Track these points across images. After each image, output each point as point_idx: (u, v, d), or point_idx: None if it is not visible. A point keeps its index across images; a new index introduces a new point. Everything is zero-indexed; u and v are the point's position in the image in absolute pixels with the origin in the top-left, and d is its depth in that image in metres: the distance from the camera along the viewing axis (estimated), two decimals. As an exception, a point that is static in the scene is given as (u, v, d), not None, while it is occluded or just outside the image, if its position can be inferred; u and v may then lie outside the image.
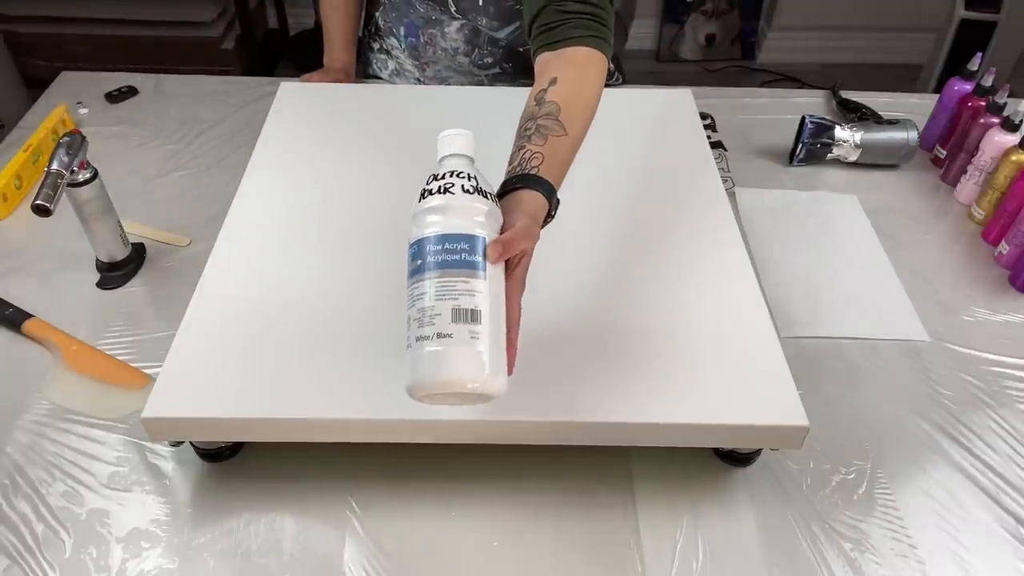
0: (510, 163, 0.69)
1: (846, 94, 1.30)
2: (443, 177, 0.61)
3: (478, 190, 0.60)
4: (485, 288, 0.58)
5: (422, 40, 1.17)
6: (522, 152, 0.69)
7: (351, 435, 0.68)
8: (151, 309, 0.91)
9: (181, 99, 1.27)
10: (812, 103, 1.32)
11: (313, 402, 0.68)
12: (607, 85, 0.81)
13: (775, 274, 0.97)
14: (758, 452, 0.76)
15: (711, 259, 0.83)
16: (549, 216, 0.68)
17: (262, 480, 0.74)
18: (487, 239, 0.59)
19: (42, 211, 0.78)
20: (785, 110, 1.28)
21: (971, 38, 2.21)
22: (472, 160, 0.64)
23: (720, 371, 0.71)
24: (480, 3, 1.10)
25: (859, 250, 1.03)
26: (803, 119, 1.14)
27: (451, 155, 0.63)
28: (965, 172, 1.11)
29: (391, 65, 1.24)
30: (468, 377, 0.56)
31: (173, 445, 0.76)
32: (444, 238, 0.58)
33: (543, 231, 0.66)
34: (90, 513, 0.71)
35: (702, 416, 0.68)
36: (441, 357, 0.56)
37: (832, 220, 1.07)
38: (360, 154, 0.96)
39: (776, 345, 0.74)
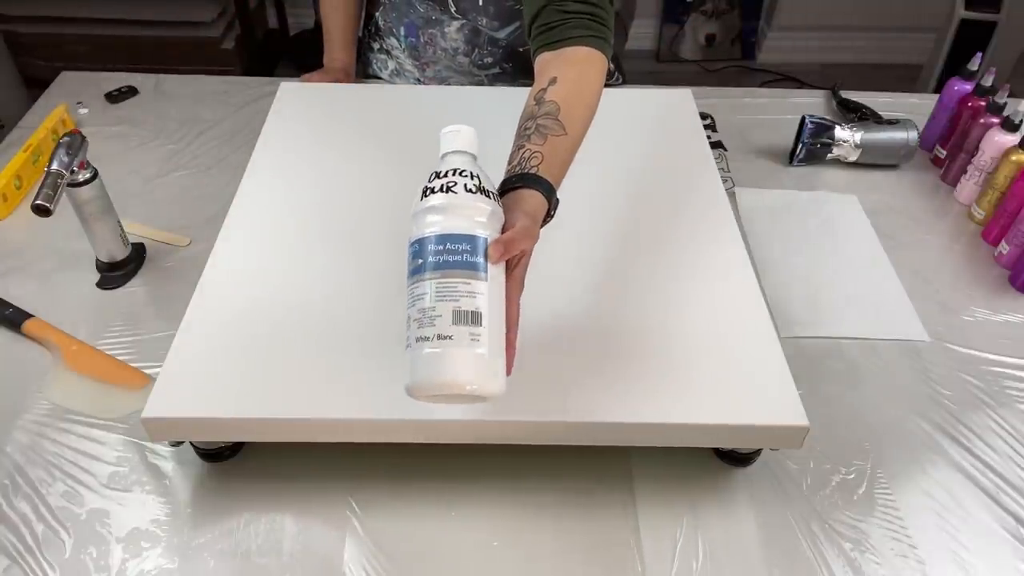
0: (509, 162, 0.69)
1: (846, 94, 1.30)
2: (446, 175, 0.60)
3: (481, 189, 0.60)
4: (486, 289, 0.57)
5: (422, 40, 1.17)
6: (522, 151, 0.69)
7: (351, 435, 0.68)
8: (151, 309, 0.91)
9: (181, 99, 1.27)
10: (812, 103, 1.32)
11: (313, 402, 0.68)
12: (607, 85, 0.81)
13: (775, 274, 0.97)
14: (758, 452, 0.76)
15: (711, 259, 0.83)
16: (549, 216, 0.68)
17: (262, 480, 0.74)
18: (489, 239, 0.59)
19: (42, 211, 0.78)
20: (785, 110, 1.28)
21: (971, 38, 2.21)
22: (475, 157, 0.63)
23: (720, 371, 0.71)
24: (480, 3, 1.10)
25: (859, 250, 1.03)
26: (803, 119, 1.14)
27: (454, 152, 0.63)
28: (965, 172, 1.11)
29: (391, 65, 1.24)
30: (467, 379, 0.56)
31: (173, 445, 0.76)
32: (445, 238, 0.58)
33: (542, 231, 0.66)
34: (90, 513, 0.71)
35: (702, 416, 0.68)
36: (441, 359, 0.56)
37: (832, 220, 1.07)
38: (360, 154, 0.96)
39: (776, 345, 0.74)
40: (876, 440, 0.80)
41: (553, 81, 0.74)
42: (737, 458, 0.76)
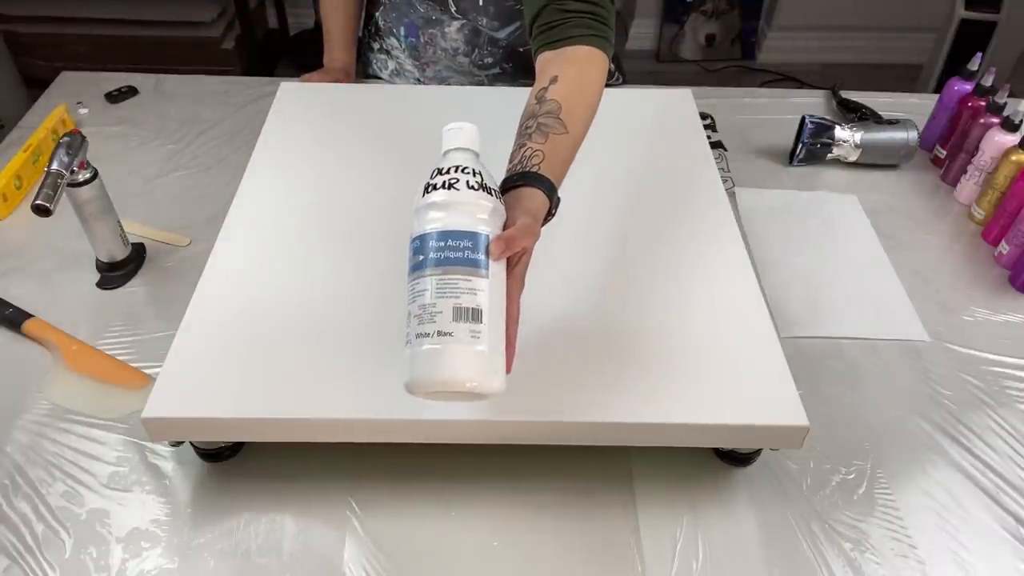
0: (511, 161, 0.69)
1: (846, 94, 1.30)
2: (448, 172, 0.60)
3: (483, 186, 0.60)
4: (487, 286, 0.57)
5: (422, 40, 1.17)
6: (523, 150, 0.69)
7: (351, 435, 0.68)
8: (151, 309, 0.91)
9: (181, 99, 1.27)
10: (812, 103, 1.32)
11: (313, 402, 0.68)
12: (607, 85, 0.81)
13: (775, 274, 0.97)
14: (758, 452, 0.76)
15: (711, 259, 0.83)
16: (550, 214, 0.68)
17: (262, 480, 0.74)
18: (490, 236, 0.59)
19: (42, 211, 0.78)
20: (785, 110, 1.28)
21: (971, 38, 2.21)
22: (477, 155, 0.63)
23: (720, 371, 0.71)
24: (480, 3, 1.10)
25: (859, 250, 1.03)
26: (803, 119, 1.14)
27: (456, 149, 0.63)
28: (965, 172, 1.11)
29: (391, 65, 1.24)
30: (467, 376, 0.56)
31: (173, 445, 0.76)
32: (447, 234, 0.58)
33: (543, 230, 0.66)
34: (90, 513, 0.71)
35: (702, 416, 0.68)
36: (441, 355, 0.56)
37: (832, 220, 1.07)
38: (360, 154, 0.96)
39: (776, 345, 0.74)
40: (876, 440, 0.80)
41: (554, 80, 0.74)
42: (737, 458, 0.76)
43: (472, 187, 0.59)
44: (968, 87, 1.15)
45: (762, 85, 2.76)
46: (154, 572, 0.67)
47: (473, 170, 0.60)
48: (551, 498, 0.73)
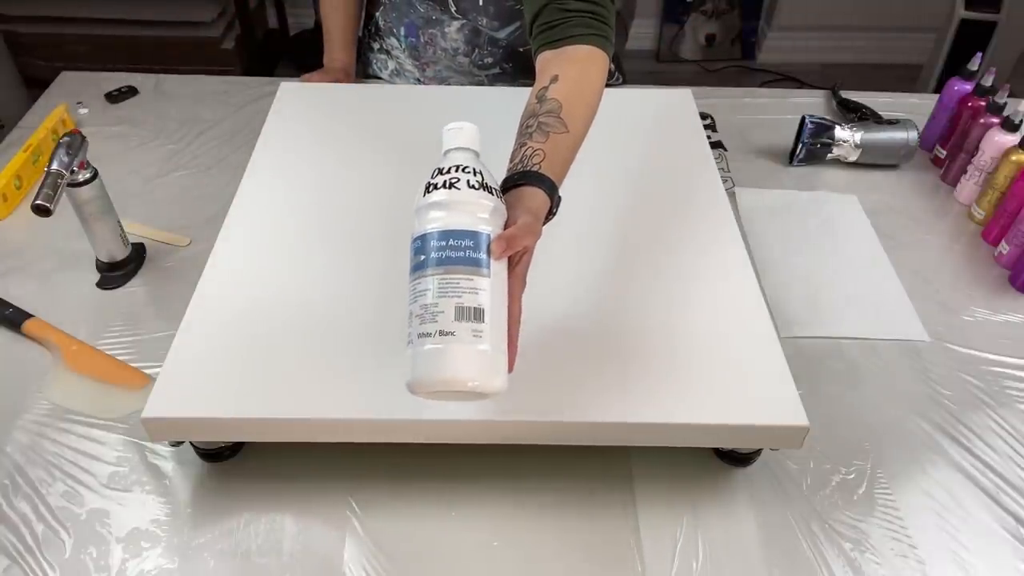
0: (511, 160, 0.69)
1: (846, 94, 1.30)
2: (448, 171, 0.60)
3: (483, 185, 0.60)
4: (488, 285, 0.57)
5: (422, 40, 1.17)
6: (524, 149, 0.69)
7: (351, 435, 0.68)
8: (151, 309, 0.91)
9: (181, 99, 1.27)
10: (812, 103, 1.32)
11: (313, 402, 0.68)
12: (607, 85, 0.81)
13: (775, 274, 0.97)
14: (758, 452, 0.76)
15: (711, 259, 0.83)
16: (551, 213, 0.68)
17: (262, 480, 0.74)
18: (491, 236, 0.59)
19: (42, 211, 0.78)
20: (785, 110, 1.28)
21: (971, 38, 2.21)
22: (477, 154, 0.63)
23: (720, 371, 0.71)
24: (480, 3, 1.10)
25: (859, 250, 1.03)
26: (803, 119, 1.14)
27: (456, 149, 0.63)
28: (965, 172, 1.11)
29: (391, 65, 1.24)
30: (469, 376, 0.56)
31: (173, 445, 0.76)
32: (448, 234, 0.58)
33: (543, 229, 0.66)
34: (90, 513, 0.71)
35: (702, 416, 0.68)
36: (443, 355, 0.56)
37: (832, 220, 1.07)
38: (360, 154, 0.96)
39: (776, 345, 0.74)
40: (876, 440, 0.80)
41: (555, 79, 0.74)
42: (737, 458, 0.76)
43: (473, 186, 0.59)
44: (968, 87, 1.15)
45: (762, 85, 2.76)
46: (154, 572, 0.67)
47: (474, 169, 0.60)
48: (551, 498, 0.73)
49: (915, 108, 1.28)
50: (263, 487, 0.74)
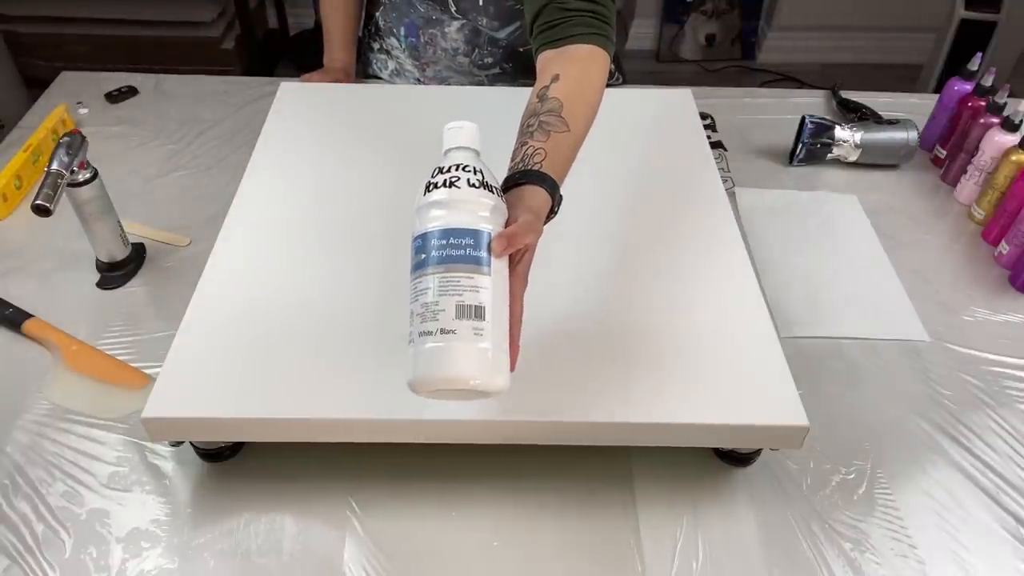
0: (512, 159, 0.69)
1: (846, 94, 1.30)
2: (448, 170, 0.60)
3: (484, 184, 0.60)
4: (489, 284, 0.57)
5: (422, 40, 1.17)
6: (525, 148, 0.69)
7: (351, 435, 0.68)
8: (151, 309, 0.91)
9: (181, 99, 1.27)
10: (812, 103, 1.32)
11: (313, 402, 0.68)
12: (607, 85, 0.81)
13: (775, 274, 0.97)
14: (758, 452, 0.76)
15: (711, 259, 0.83)
16: (552, 212, 0.68)
17: (262, 480, 0.74)
18: (492, 234, 0.59)
19: (42, 211, 0.78)
20: (785, 110, 1.28)
21: (971, 38, 2.21)
22: (478, 153, 0.63)
23: (720, 371, 0.71)
24: (480, 3, 1.10)
25: (859, 250, 1.03)
26: (803, 119, 1.14)
27: (456, 148, 0.63)
28: (965, 172, 1.11)
29: (391, 65, 1.24)
30: (471, 374, 0.56)
31: (173, 445, 0.76)
32: (449, 232, 0.58)
33: (543, 229, 0.65)
34: (90, 513, 0.71)
35: (702, 416, 0.68)
36: (444, 353, 0.56)
37: (832, 220, 1.07)
38: (360, 154, 0.96)
39: (776, 345, 0.74)
40: (876, 440, 0.80)
41: (556, 78, 0.74)
42: (737, 458, 0.76)
43: (473, 185, 0.59)
44: (968, 87, 1.15)
45: (762, 85, 2.76)
46: (154, 572, 0.67)
47: (474, 168, 0.60)
48: (551, 498, 0.73)
49: (915, 108, 1.28)
50: (263, 487, 0.74)
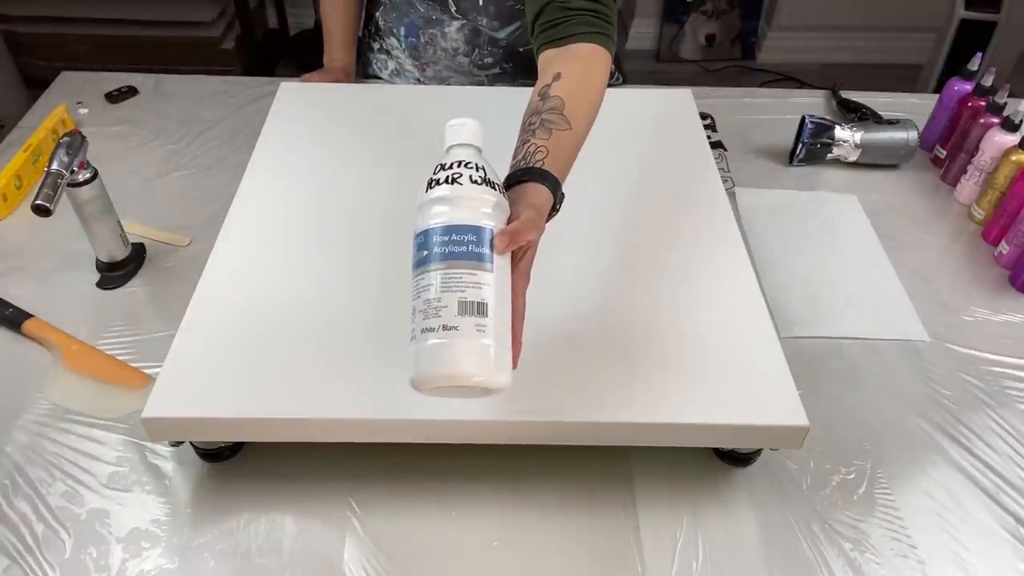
0: (514, 157, 0.69)
1: (846, 94, 1.30)
2: (451, 167, 0.60)
3: (486, 181, 0.60)
4: (492, 280, 0.57)
5: (422, 40, 1.17)
6: (526, 146, 0.69)
7: (351, 435, 0.68)
8: (151, 309, 0.91)
9: (181, 99, 1.27)
10: (812, 103, 1.32)
11: (313, 402, 0.68)
12: (607, 85, 0.81)
13: (775, 274, 0.97)
14: (758, 452, 0.76)
15: (711, 259, 0.83)
16: (554, 210, 0.68)
17: (262, 480, 0.74)
18: (494, 230, 0.59)
19: (42, 211, 0.78)
20: (785, 110, 1.28)
21: (971, 38, 2.21)
22: (479, 150, 0.63)
23: (720, 371, 0.71)
24: (480, 3, 1.10)
25: (859, 250, 1.03)
26: (803, 119, 1.14)
27: (458, 145, 0.63)
28: (965, 172, 1.11)
29: (391, 65, 1.24)
30: (473, 370, 0.56)
31: (173, 445, 0.76)
32: (451, 229, 0.58)
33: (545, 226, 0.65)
34: (90, 513, 0.71)
35: (702, 416, 0.68)
36: (446, 350, 0.55)
37: (832, 220, 1.07)
38: (360, 154, 0.96)
39: (776, 345, 0.74)
40: (876, 440, 0.80)
41: (557, 77, 0.74)
42: (737, 458, 0.76)
43: (475, 181, 0.59)
44: (968, 87, 1.15)
45: (762, 85, 2.76)
46: (154, 572, 0.67)
47: (476, 165, 0.60)
48: (551, 498, 0.73)
49: (915, 108, 1.28)
50: (263, 487, 0.74)
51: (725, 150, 1.18)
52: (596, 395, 0.69)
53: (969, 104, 1.13)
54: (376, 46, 1.25)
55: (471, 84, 1.21)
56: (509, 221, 0.61)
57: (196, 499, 0.73)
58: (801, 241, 1.03)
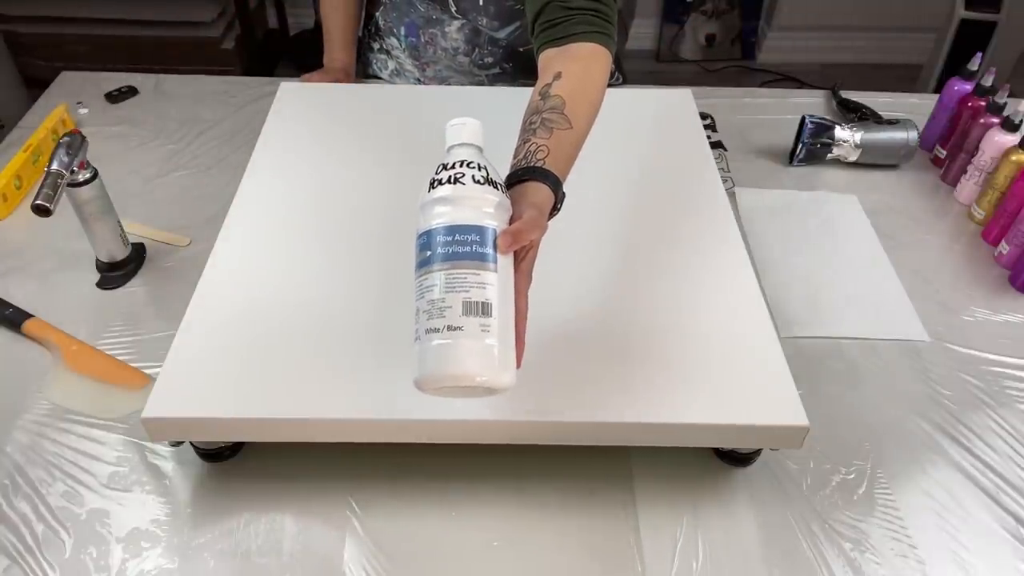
0: (515, 156, 0.69)
1: (846, 94, 1.30)
2: (453, 167, 0.60)
3: (488, 180, 0.60)
4: (495, 280, 0.57)
5: (422, 40, 1.17)
6: (527, 145, 0.69)
7: (351, 435, 0.68)
8: (151, 309, 0.91)
9: (181, 99, 1.27)
10: (812, 103, 1.32)
11: (313, 402, 0.68)
12: (607, 85, 0.81)
13: (775, 274, 0.97)
14: (758, 452, 0.76)
15: (711, 259, 0.83)
16: (555, 209, 0.68)
17: (262, 480, 0.74)
18: (497, 230, 0.59)
19: (42, 211, 0.78)
20: (785, 110, 1.28)
21: (971, 38, 2.21)
22: (481, 149, 0.63)
23: (720, 371, 0.71)
24: (480, 3, 1.10)
25: (859, 250, 1.03)
26: (803, 119, 1.14)
27: (460, 144, 0.63)
28: (965, 172, 1.11)
29: (391, 65, 1.24)
30: (478, 371, 0.56)
31: (173, 445, 0.76)
32: (454, 229, 0.58)
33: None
34: (90, 513, 0.71)
35: (702, 416, 0.68)
36: (451, 350, 0.55)
37: (832, 220, 1.07)
38: (360, 154, 0.96)
39: (776, 345, 0.74)
40: (876, 440, 0.80)
41: (558, 76, 0.74)
42: (737, 458, 0.76)
43: (478, 181, 0.59)
44: (968, 87, 1.15)
45: (762, 85, 2.76)
46: (154, 572, 0.67)
47: (478, 164, 0.60)
48: (551, 498, 0.73)
49: (915, 108, 1.28)
50: (263, 487, 0.74)
51: (725, 150, 1.18)
52: (596, 395, 0.69)
53: (969, 104, 1.13)
54: (376, 46, 1.25)
55: (471, 84, 1.21)
56: (511, 221, 0.61)
57: (196, 499, 0.73)
58: (801, 241, 1.03)
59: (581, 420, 0.68)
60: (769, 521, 0.73)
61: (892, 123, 1.16)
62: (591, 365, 0.71)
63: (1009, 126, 1.04)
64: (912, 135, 1.14)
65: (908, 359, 0.89)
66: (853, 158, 1.16)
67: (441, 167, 0.61)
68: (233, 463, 0.75)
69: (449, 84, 1.21)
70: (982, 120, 1.09)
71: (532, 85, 0.77)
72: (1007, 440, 0.81)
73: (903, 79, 2.60)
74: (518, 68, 1.19)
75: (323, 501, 0.72)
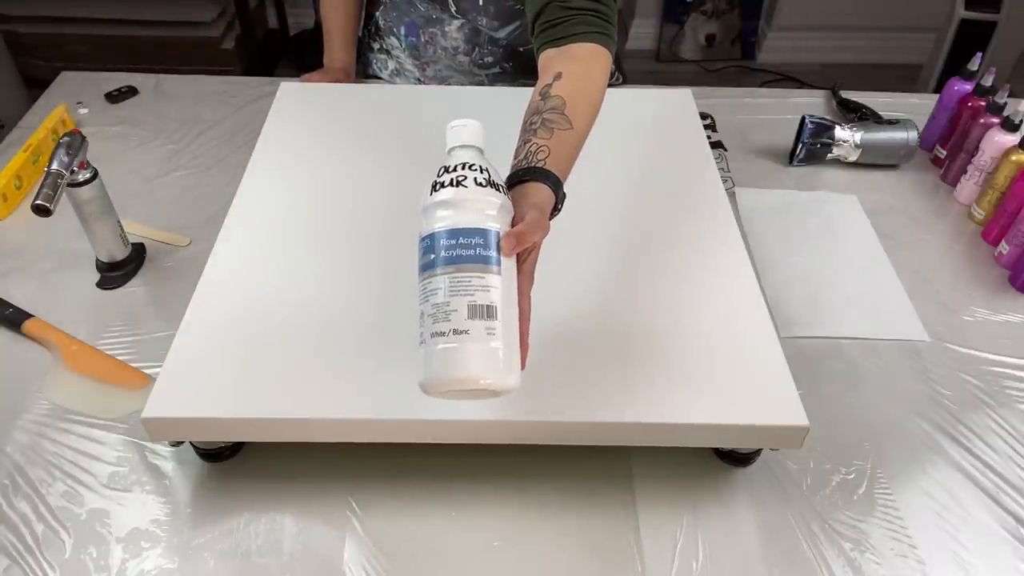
0: (515, 156, 0.69)
1: (846, 94, 1.30)
2: (454, 169, 0.60)
3: (490, 183, 0.60)
4: (499, 283, 0.57)
5: (422, 40, 1.17)
6: (528, 145, 0.69)
7: (351, 435, 0.68)
8: (151, 309, 0.91)
9: (181, 99, 1.27)
10: (812, 103, 1.32)
11: (313, 402, 0.68)
12: (607, 85, 0.81)
13: (775, 274, 0.97)
14: (758, 452, 0.76)
15: (711, 259, 0.83)
16: (555, 210, 0.68)
17: (262, 480, 0.74)
18: (500, 232, 0.59)
19: (42, 211, 0.78)
20: (785, 110, 1.28)
21: (971, 38, 2.21)
22: (482, 151, 0.63)
23: (720, 371, 0.71)
24: (480, 3, 1.10)
25: (859, 250, 1.03)
26: (803, 119, 1.14)
27: (461, 146, 0.62)
28: (965, 172, 1.11)
29: (391, 65, 1.24)
30: (484, 374, 0.56)
31: (173, 445, 0.76)
32: (458, 232, 0.57)
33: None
34: (90, 513, 0.71)
35: (702, 416, 0.68)
36: (457, 354, 0.55)
37: (832, 220, 1.07)
38: (360, 154, 0.96)
39: (776, 345, 0.74)
40: (876, 440, 0.80)
41: (558, 76, 0.74)
42: (737, 458, 0.76)
43: (480, 184, 0.59)
44: (968, 87, 1.15)
45: (762, 85, 2.76)
46: (154, 572, 0.67)
47: (480, 167, 0.60)
48: (551, 498, 0.73)
49: (915, 108, 1.28)
50: (263, 487, 0.74)
51: (725, 150, 1.18)
52: (596, 395, 0.69)
53: (969, 104, 1.13)
54: (376, 46, 1.25)
55: (471, 84, 1.21)
56: (514, 221, 0.61)
57: (196, 499, 0.73)
58: (801, 241, 1.04)
59: (581, 420, 0.68)
60: (769, 521, 0.73)
61: (892, 123, 1.16)
62: (591, 365, 0.71)
63: (1009, 126, 1.04)
64: (912, 135, 1.14)
65: (908, 359, 0.89)
66: (853, 158, 1.16)
67: (442, 169, 0.60)
68: (233, 463, 0.75)
69: (449, 84, 1.21)
70: (982, 120, 1.09)
71: (532, 85, 0.77)
72: (1007, 440, 0.81)
73: (903, 79, 2.60)
74: (518, 68, 1.19)
75: (323, 501, 0.72)
